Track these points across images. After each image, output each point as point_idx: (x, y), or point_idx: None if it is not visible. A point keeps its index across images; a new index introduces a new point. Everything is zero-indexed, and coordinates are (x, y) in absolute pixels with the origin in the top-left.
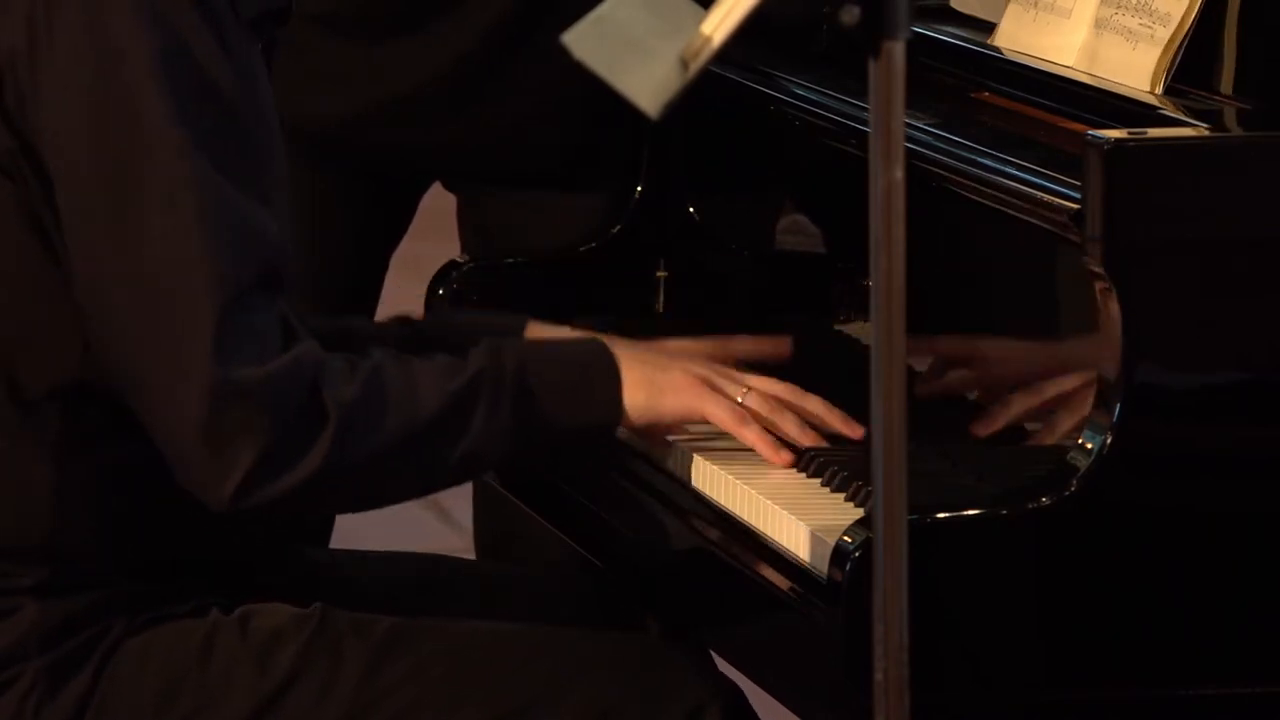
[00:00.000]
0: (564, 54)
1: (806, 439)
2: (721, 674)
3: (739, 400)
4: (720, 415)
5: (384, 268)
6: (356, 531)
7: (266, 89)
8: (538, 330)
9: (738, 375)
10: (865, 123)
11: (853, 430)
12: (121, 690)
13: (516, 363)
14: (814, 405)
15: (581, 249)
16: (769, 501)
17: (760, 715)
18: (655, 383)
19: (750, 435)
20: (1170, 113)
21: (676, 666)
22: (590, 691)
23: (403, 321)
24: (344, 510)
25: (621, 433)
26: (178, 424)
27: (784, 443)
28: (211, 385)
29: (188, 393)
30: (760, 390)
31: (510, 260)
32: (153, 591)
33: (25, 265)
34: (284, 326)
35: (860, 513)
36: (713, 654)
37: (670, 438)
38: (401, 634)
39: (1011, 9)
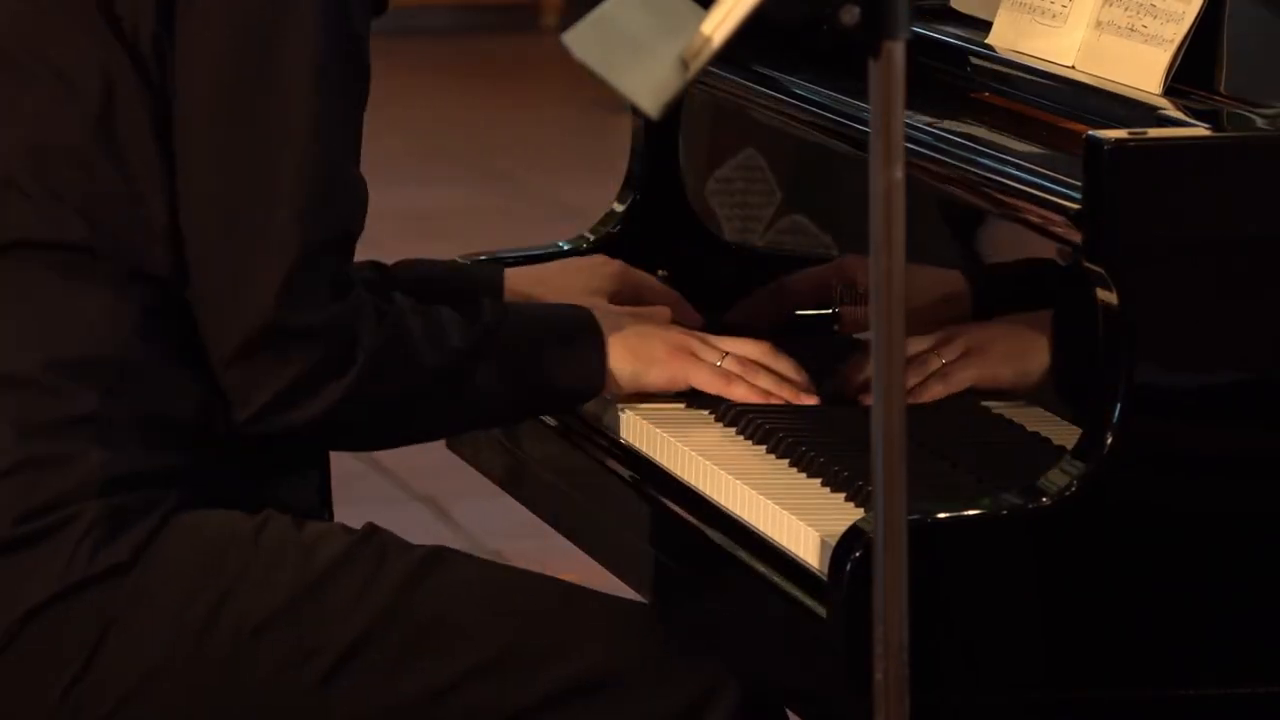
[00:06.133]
0: None
1: (785, 393)
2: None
3: (718, 364)
4: (706, 381)
5: None
6: None
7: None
8: (516, 281)
9: (714, 340)
10: (865, 123)
11: (807, 398)
12: (169, 554)
13: (518, 325)
14: (785, 366)
15: (583, 248)
16: (769, 501)
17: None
18: (640, 353)
19: (739, 393)
20: (1170, 113)
21: (697, 647)
22: (613, 647)
23: (374, 266)
24: (356, 446)
25: (626, 435)
26: (227, 346)
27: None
28: (268, 326)
29: (245, 324)
30: (736, 353)
31: (510, 258)
32: (212, 478)
33: (137, 162)
34: (344, 277)
35: (860, 513)
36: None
37: (672, 438)
38: (444, 556)
39: (1004, 11)
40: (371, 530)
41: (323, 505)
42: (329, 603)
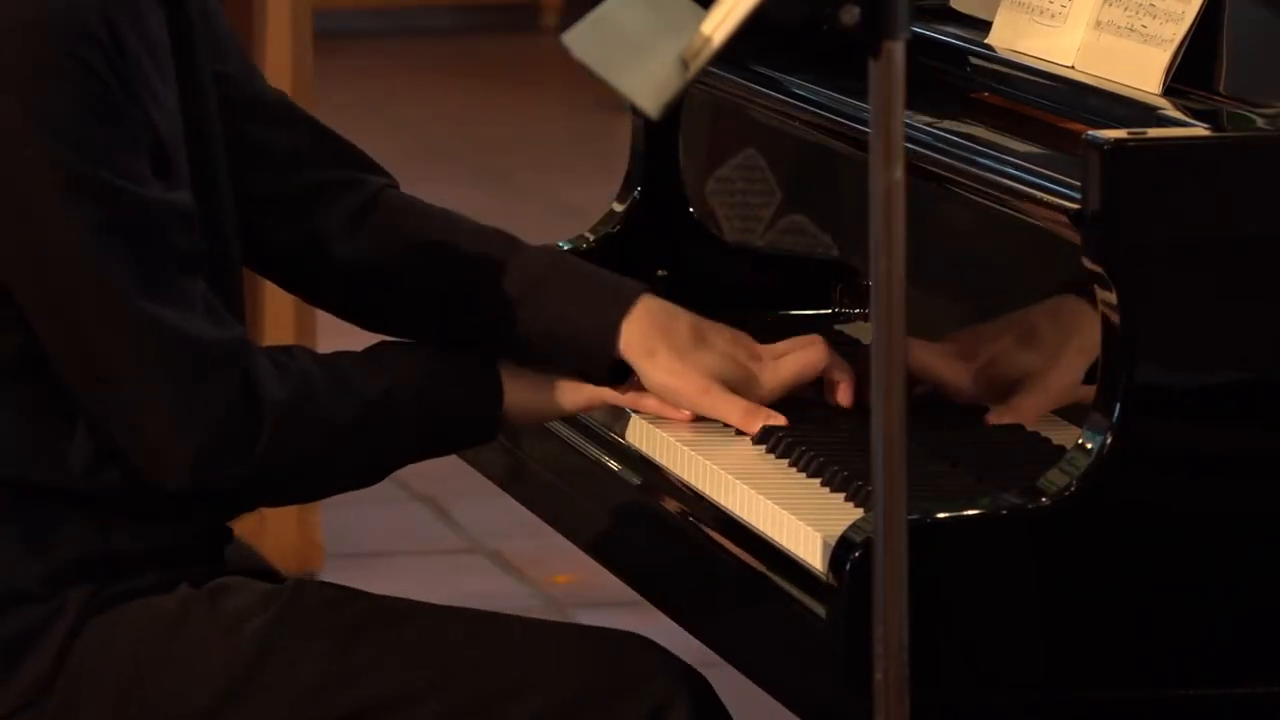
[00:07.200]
0: None
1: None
2: (689, 666)
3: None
4: (615, 396)
5: None
6: (355, 531)
7: (157, 32)
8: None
9: None
10: (865, 123)
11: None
12: (86, 672)
13: (420, 379)
14: None
15: (583, 248)
16: (769, 501)
17: (760, 715)
18: (549, 384)
19: (649, 404)
20: (1170, 113)
21: (645, 659)
22: (558, 682)
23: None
24: (268, 504)
25: (626, 435)
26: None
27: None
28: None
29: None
30: None
31: None
32: (118, 561)
33: None
34: (209, 306)
35: (860, 513)
36: (715, 653)
37: (672, 439)
38: (374, 613)
39: (1004, 11)
40: (295, 593)
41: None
42: (257, 694)
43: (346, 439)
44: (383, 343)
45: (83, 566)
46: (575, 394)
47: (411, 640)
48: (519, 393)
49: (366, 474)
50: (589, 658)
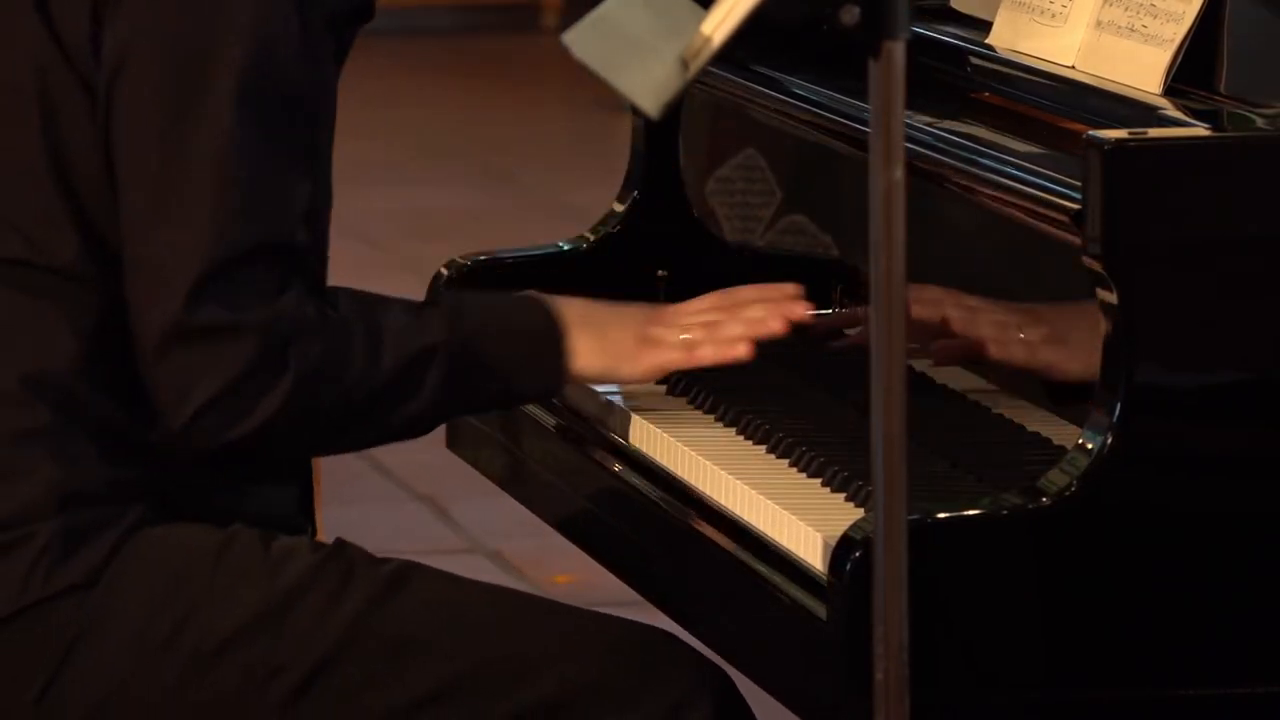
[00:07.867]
0: None
1: (760, 329)
2: (715, 664)
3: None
4: (677, 362)
5: None
6: (355, 531)
7: (333, 85)
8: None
9: (671, 317)
10: (865, 123)
11: (784, 317)
12: (132, 571)
13: (470, 332)
14: (749, 294)
15: (582, 248)
16: (769, 501)
17: (760, 714)
18: (609, 351)
19: (706, 355)
20: (1170, 113)
21: (671, 653)
22: (585, 661)
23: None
24: (293, 455)
25: (626, 434)
26: (148, 346)
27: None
28: (182, 324)
29: (160, 323)
30: (695, 320)
31: (510, 258)
32: (180, 490)
33: (82, 158)
34: (275, 284)
35: (860, 513)
36: (714, 653)
37: (673, 439)
38: (412, 572)
39: (1004, 11)
40: (339, 547)
41: (302, 516)
42: (293, 622)
43: (375, 396)
44: (440, 295)
45: (148, 484)
46: (633, 365)
47: (445, 598)
48: (585, 356)
49: (404, 428)
50: (616, 645)
